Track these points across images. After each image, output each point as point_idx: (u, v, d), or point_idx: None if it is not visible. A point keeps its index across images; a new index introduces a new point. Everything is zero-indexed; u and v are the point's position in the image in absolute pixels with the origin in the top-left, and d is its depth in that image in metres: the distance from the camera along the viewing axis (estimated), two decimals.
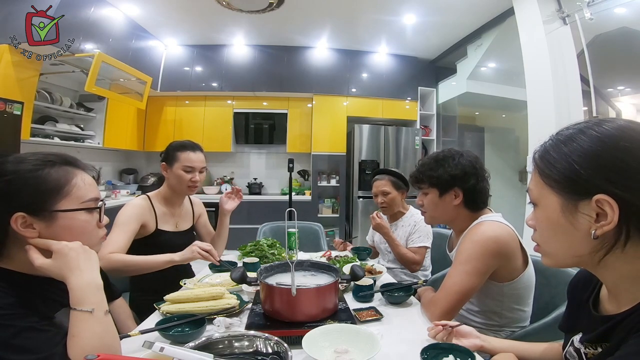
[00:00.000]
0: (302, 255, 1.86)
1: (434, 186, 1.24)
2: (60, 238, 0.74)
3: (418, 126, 4.81)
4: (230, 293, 1.20)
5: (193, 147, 1.64)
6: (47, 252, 0.74)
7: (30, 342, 0.65)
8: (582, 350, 0.63)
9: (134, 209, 1.51)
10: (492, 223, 1.15)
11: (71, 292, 0.72)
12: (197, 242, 1.39)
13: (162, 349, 0.68)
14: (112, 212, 1.24)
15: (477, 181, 1.21)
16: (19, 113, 2.69)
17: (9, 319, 0.65)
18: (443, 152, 1.27)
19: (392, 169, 2.05)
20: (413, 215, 1.98)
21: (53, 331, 0.70)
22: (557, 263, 0.63)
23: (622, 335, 0.54)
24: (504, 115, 5.37)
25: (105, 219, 0.84)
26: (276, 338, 0.81)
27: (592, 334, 0.61)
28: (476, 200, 1.22)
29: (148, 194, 1.63)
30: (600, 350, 0.59)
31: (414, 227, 1.92)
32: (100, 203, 0.81)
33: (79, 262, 0.73)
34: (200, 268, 1.72)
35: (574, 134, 0.57)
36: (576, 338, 0.66)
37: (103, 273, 1.02)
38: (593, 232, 0.53)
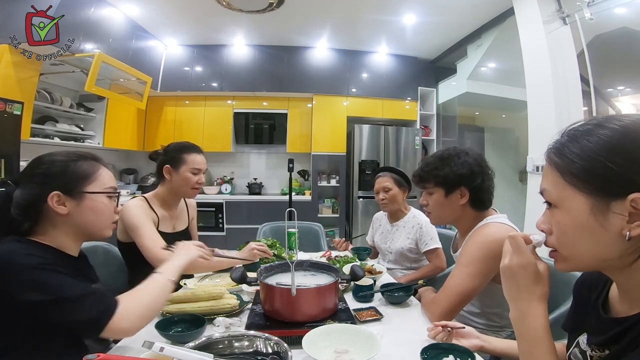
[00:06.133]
0: (302, 255, 1.86)
1: (440, 186, 1.21)
2: (85, 216, 0.91)
3: (418, 126, 4.81)
4: (230, 293, 1.20)
5: (197, 148, 1.63)
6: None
7: (78, 284, 0.80)
8: (588, 352, 0.60)
9: (141, 209, 1.49)
10: (497, 225, 1.14)
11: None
12: (252, 243, 1.55)
13: (162, 349, 0.68)
14: None
15: (482, 180, 1.19)
16: (19, 113, 2.68)
17: (61, 268, 0.81)
18: (447, 151, 1.24)
19: (395, 167, 2.04)
20: (416, 217, 1.96)
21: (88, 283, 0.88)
22: (577, 268, 0.59)
23: (633, 338, 0.51)
24: (504, 115, 5.37)
25: (120, 207, 1.01)
26: (276, 338, 0.81)
27: (602, 337, 0.58)
28: (482, 199, 1.21)
29: (144, 195, 1.60)
30: (607, 352, 0.56)
31: (420, 231, 1.90)
32: (118, 192, 0.99)
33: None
34: None
35: (593, 129, 0.53)
36: (582, 339, 0.63)
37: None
38: (627, 233, 0.49)
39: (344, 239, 2.13)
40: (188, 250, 1.11)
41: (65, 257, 0.90)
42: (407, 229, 1.95)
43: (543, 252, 0.65)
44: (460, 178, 1.18)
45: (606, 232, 0.51)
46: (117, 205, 0.99)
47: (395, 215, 2.03)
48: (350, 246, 2.09)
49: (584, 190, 0.52)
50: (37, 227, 0.88)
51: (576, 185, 0.53)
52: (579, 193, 0.53)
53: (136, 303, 0.85)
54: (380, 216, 2.17)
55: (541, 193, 0.60)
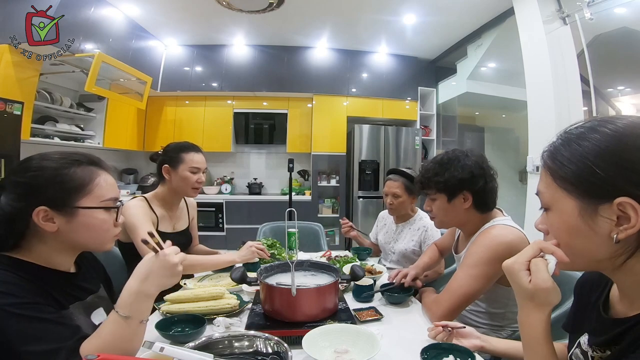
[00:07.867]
0: (302, 255, 1.86)
1: (442, 191, 1.19)
2: (78, 234, 0.78)
3: (418, 126, 4.81)
4: (230, 293, 1.20)
5: (195, 148, 1.63)
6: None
7: (45, 333, 0.67)
8: (590, 353, 0.60)
9: (141, 209, 1.48)
10: (503, 227, 1.13)
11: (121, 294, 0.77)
12: (250, 242, 1.57)
13: (162, 349, 0.68)
14: None
15: (485, 182, 1.16)
16: (19, 113, 2.68)
17: (32, 310, 0.67)
18: (447, 155, 1.21)
19: (408, 172, 1.95)
20: (422, 219, 1.95)
21: (66, 325, 0.72)
22: (573, 268, 0.60)
23: (633, 340, 0.52)
24: (504, 115, 5.37)
25: (121, 218, 0.87)
26: (276, 338, 0.81)
27: (603, 337, 0.58)
28: (486, 202, 1.18)
29: (144, 195, 1.60)
30: (608, 353, 0.57)
31: (426, 233, 1.88)
32: (119, 203, 0.84)
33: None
34: None
35: (586, 133, 0.54)
36: (583, 340, 0.63)
37: (108, 279, 1.04)
38: (615, 236, 0.50)
39: (349, 221, 2.08)
40: (162, 278, 0.80)
41: (56, 275, 0.78)
42: (413, 231, 1.94)
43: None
44: (461, 182, 1.15)
45: (595, 235, 0.53)
46: (117, 218, 0.84)
47: (401, 217, 2.01)
48: (354, 232, 2.08)
49: (574, 193, 0.54)
50: (22, 241, 0.76)
51: (566, 189, 0.55)
52: (569, 196, 0.54)
53: None
54: (386, 215, 2.13)
55: (537, 194, 0.61)
